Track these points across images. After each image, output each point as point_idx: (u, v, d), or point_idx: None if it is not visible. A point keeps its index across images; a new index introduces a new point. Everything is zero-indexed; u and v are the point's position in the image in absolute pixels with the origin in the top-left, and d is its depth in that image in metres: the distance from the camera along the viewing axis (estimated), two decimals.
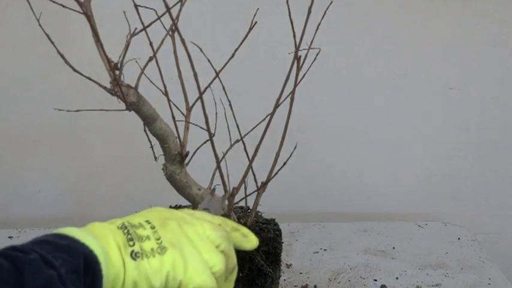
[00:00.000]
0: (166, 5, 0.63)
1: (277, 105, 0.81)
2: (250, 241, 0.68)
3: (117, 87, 0.66)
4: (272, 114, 0.78)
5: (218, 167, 0.71)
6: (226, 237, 0.64)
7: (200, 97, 0.73)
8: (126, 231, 0.58)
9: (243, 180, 0.82)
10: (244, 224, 0.87)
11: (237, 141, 0.88)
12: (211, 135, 0.69)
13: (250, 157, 0.81)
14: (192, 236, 0.61)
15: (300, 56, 0.83)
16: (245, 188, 0.87)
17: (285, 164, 0.87)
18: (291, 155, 0.88)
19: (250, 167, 0.80)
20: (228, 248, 0.63)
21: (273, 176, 0.85)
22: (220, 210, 0.83)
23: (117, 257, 0.56)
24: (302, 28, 0.82)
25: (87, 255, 0.53)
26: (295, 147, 0.90)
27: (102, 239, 0.56)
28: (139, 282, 0.56)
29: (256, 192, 0.87)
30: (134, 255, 0.57)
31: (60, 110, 0.83)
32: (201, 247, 0.60)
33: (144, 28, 0.73)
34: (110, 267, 0.55)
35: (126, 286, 0.56)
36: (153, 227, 0.60)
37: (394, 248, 1.25)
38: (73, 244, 0.53)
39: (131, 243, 0.57)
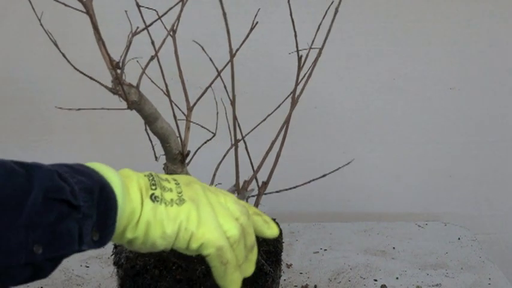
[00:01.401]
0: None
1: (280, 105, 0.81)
2: (271, 228, 0.69)
3: (119, 86, 0.66)
4: (291, 111, 0.78)
5: (236, 165, 0.71)
6: (247, 213, 0.65)
7: (201, 97, 0.74)
8: (151, 178, 0.60)
9: (254, 175, 0.82)
10: None
11: (238, 140, 0.88)
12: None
13: (262, 154, 0.81)
14: (212, 201, 0.63)
15: (301, 56, 0.83)
16: (245, 188, 0.87)
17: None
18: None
19: (259, 167, 0.80)
20: (246, 223, 0.64)
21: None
22: None
23: (136, 194, 0.58)
24: (303, 28, 0.82)
25: (104, 183, 0.55)
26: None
27: (125, 178, 0.58)
28: (153, 225, 0.58)
29: (256, 192, 0.87)
30: (153, 198, 0.58)
31: (61, 108, 0.83)
32: (219, 211, 0.62)
33: (146, 27, 0.73)
34: (127, 202, 0.56)
35: (140, 225, 0.57)
36: (177, 183, 0.62)
37: (394, 248, 1.25)
38: (91, 172, 0.55)
39: (153, 187, 0.59)
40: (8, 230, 0.46)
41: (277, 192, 0.87)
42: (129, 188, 0.58)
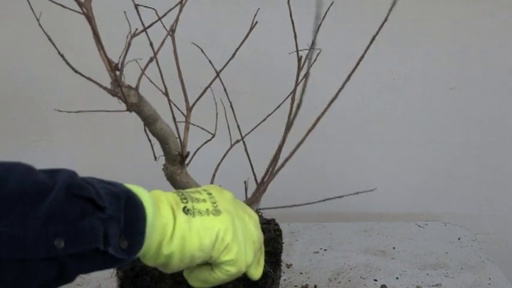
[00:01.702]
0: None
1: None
2: (256, 272, 0.68)
3: (118, 88, 0.66)
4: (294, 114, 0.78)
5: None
6: (260, 244, 0.65)
7: (200, 96, 0.73)
8: (180, 194, 0.60)
9: (273, 173, 0.82)
10: None
11: (237, 141, 0.88)
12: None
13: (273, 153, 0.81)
14: (240, 217, 0.62)
15: (301, 56, 0.83)
16: (245, 189, 0.87)
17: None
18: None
19: (276, 165, 0.80)
20: (255, 257, 0.64)
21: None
22: None
23: (167, 210, 0.57)
24: (303, 28, 0.82)
25: (131, 194, 0.54)
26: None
27: (153, 195, 0.58)
28: (189, 238, 0.57)
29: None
30: (186, 211, 0.58)
31: (60, 111, 0.83)
32: (246, 233, 0.62)
33: (145, 29, 0.73)
34: (158, 217, 0.56)
35: (175, 239, 0.57)
36: (209, 194, 0.62)
37: (394, 248, 1.25)
38: (118, 184, 0.55)
39: (184, 201, 0.59)
40: (25, 220, 0.46)
41: (290, 206, 0.87)
42: (159, 205, 0.57)
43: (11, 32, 1.31)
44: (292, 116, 0.78)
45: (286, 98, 0.87)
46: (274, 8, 1.06)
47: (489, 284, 1.11)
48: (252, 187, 0.87)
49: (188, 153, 0.82)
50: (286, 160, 0.75)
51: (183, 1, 0.77)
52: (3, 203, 0.45)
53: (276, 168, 0.80)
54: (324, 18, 0.84)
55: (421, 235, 1.32)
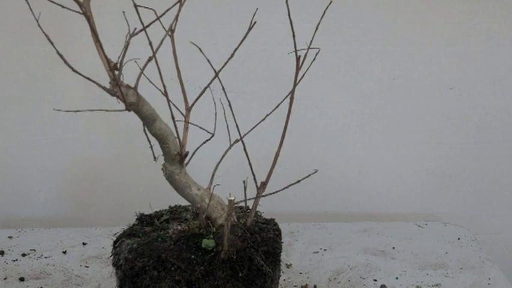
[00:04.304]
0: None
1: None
2: None
3: (117, 88, 0.66)
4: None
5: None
6: None
7: (199, 96, 0.73)
8: None
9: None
10: (244, 224, 0.87)
11: (237, 141, 0.88)
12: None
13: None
14: None
15: (300, 56, 0.83)
16: (244, 188, 0.87)
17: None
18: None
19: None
20: None
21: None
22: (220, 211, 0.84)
23: None
24: (301, 28, 0.82)
25: None
26: None
27: None
28: None
29: (255, 192, 0.87)
30: None
31: (59, 110, 0.83)
32: None
33: (144, 28, 0.73)
34: None
35: None
36: None
37: (394, 248, 1.25)
38: None
39: None
40: None
41: (273, 193, 0.87)
42: None
43: (11, 32, 1.31)
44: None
45: (285, 98, 0.87)
46: (272, 8, 1.06)
47: (489, 284, 1.11)
48: (251, 186, 0.87)
49: (187, 152, 0.82)
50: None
51: (182, 1, 0.77)
52: None
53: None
54: (322, 17, 0.84)
55: (421, 235, 1.32)
